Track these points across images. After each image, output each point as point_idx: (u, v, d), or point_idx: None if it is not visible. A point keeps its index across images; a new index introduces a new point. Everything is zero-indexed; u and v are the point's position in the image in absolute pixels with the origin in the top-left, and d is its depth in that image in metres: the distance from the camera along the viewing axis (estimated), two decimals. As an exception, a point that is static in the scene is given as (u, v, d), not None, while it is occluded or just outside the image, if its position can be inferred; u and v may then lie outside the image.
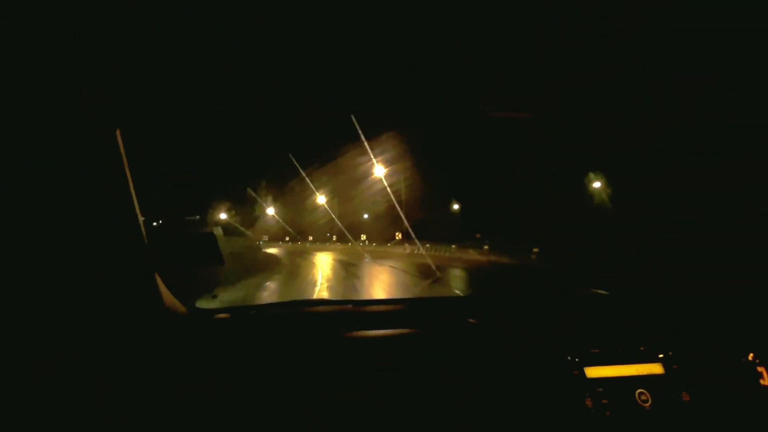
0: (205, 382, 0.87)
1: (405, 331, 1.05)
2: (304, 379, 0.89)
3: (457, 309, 1.22)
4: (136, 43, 0.90)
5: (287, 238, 41.19)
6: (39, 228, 0.89)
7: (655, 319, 1.15)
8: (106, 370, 0.85)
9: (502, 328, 1.05)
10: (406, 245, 23.77)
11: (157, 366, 0.89)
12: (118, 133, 0.89)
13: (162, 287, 0.98)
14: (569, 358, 0.92)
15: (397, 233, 28.27)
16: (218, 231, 1.10)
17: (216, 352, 0.95)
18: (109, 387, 0.83)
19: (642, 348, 0.96)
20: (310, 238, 40.90)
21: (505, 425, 0.87)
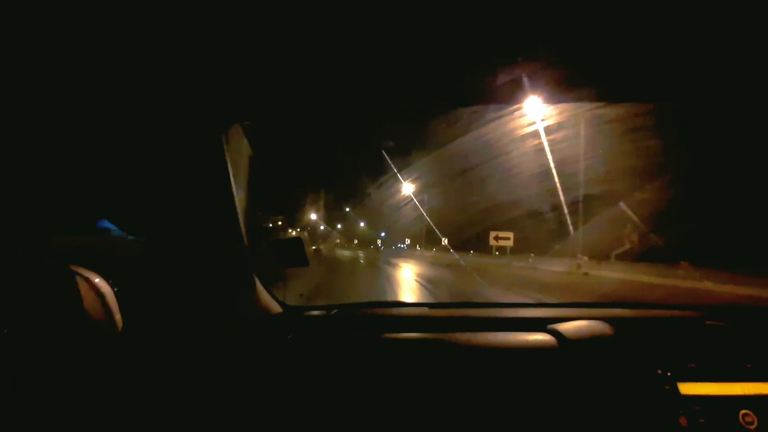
0: (304, 378, 0.92)
1: (482, 336, 1.05)
2: (386, 376, 0.93)
3: (537, 317, 1.19)
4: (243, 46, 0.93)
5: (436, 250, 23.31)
6: (144, 228, 0.99)
7: (765, 332, 1.02)
8: (207, 367, 0.91)
9: (585, 338, 1.01)
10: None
11: (256, 363, 0.94)
12: (223, 137, 0.97)
13: (259, 286, 1.09)
14: (660, 371, 0.86)
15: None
16: (304, 235, 1.23)
17: (313, 350, 1.00)
18: (209, 384, 0.88)
19: (749, 365, 0.87)
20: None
21: None
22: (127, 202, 1.01)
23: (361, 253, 21.90)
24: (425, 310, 1.26)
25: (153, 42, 0.79)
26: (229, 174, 1.00)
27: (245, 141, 1.03)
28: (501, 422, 0.87)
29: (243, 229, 1.06)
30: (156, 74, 0.84)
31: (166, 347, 0.93)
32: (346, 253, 22.19)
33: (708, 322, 1.08)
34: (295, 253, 1.21)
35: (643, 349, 0.93)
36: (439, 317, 1.22)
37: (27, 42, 0.72)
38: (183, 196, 1.00)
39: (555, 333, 1.03)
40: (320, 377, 0.92)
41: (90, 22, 0.73)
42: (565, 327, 1.05)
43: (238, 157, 1.08)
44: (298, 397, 0.89)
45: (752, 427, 0.78)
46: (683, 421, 0.79)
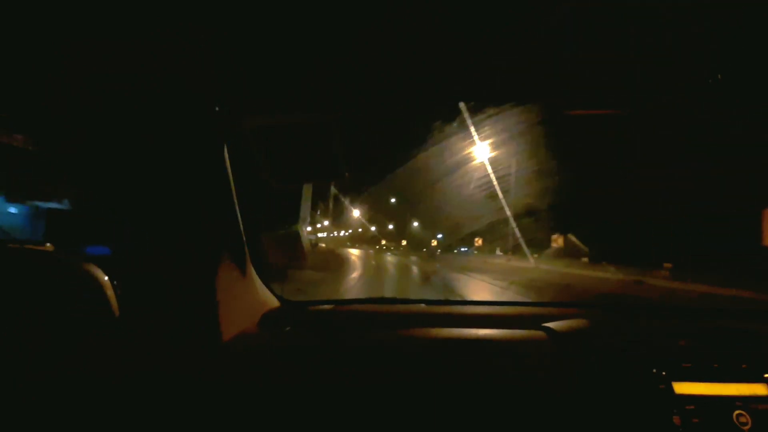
0: (303, 372, 0.94)
1: (478, 332, 1.07)
2: (383, 371, 0.94)
3: (533, 314, 1.20)
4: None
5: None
6: (145, 227, 0.99)
7: (762, 333, 1.03)
8: (206, 362, 0.93)
9: (580, 336, 1.02)
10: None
11: (256, 358, 0.96)
12: (222, 136, 0.98)
13: (257, 281, 1.10)
14: (654, 370, 0.87)
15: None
16: (302, 231, 1.25)
17: (311, 344, 1.03)
18: (207, 378, 0.90)
19: (744, 366, 0.88)
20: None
21: None
22: (128, 201, 1.02)
23: (414, 265, 15.77)
24: (423, 307, 1.27)
25: (153, 42, 0.79)
26: (228, 172, 1.01)
27: (247, 139, 1.03)
28: (497, 419, 0.88)
29: (241, 225, 1.07)
30: (156, 74, 0.85)
31: (166, 346, 0.94)
32: (384, 260, 17.20)
33: (704, 323, 1.09)
34: (291, 250, 1.23)
35: (639, 348, 0.94)
36: (436, 314, 1.23)
37: (27, 42, 0.73)
38: (183, 195, 1.00)
39: (550, 331, 1.04)
40: (318, 372, 0.94)
41: (90, 22, 0.73)
42: (560, 325, 1.06)
43: (238, 156, 1.09)
44: (297, 392, 0.91)
45: (746, 427, 0.79)
46: (677, 420, 0.80)
